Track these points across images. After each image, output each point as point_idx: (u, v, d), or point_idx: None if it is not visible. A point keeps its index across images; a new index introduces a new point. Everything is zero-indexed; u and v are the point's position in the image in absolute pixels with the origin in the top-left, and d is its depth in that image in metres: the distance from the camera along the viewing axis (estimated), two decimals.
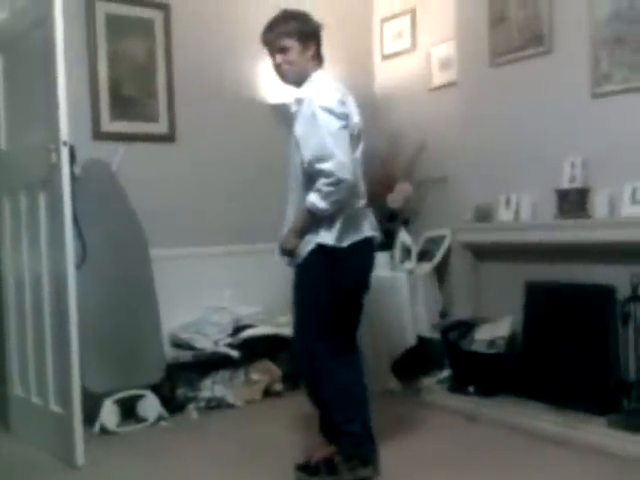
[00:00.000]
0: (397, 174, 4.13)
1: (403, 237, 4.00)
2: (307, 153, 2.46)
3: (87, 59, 3.65)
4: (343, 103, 2.52)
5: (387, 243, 3.93)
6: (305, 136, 2.48)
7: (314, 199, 2.44)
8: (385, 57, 4.61)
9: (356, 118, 2.59)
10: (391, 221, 4.07)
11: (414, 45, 4.38)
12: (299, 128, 2.52)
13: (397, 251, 3.99)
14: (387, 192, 4.04)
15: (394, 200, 4.04)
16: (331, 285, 2.51)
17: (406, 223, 4.10)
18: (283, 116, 2.73)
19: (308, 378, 2.66)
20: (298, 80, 2.61)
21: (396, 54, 4.52)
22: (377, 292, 3.56)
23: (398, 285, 3.76)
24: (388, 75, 4.59)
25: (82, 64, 3.62)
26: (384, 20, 4.60)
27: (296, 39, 2.55)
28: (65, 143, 2.86)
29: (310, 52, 2.59)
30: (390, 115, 4.44)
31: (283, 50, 2.56)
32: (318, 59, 2.64)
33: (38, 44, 2.97)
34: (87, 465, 2.81)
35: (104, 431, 3.24)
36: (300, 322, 2.63)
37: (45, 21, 2.88)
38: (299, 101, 2.58)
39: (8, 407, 3.36)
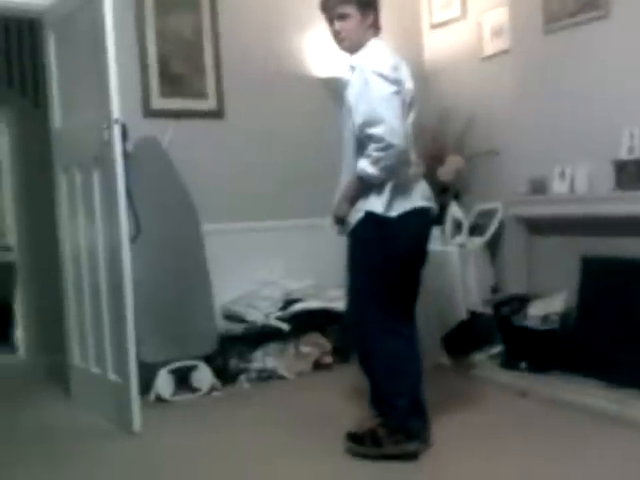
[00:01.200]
0: (448, 146, 4.05)
1: (454, 211, 3.94)
2: (358, 118, 2.44)
3: (136, 37, 3.70)
4: (396, 69, 2.49)
5: (438, 217, 3.88)
6: (357, 101, 2.47)
7: (364, 165, 2.43)
8: (434, 26, 4.50)
9: (409, 84, 2.56)
10: (442, 194, 4.00)
11: (464, 13, 4.25)
12: (352, 94, 2.51)
13: (448, 225, 3.93)
14: (438, 165, 3.97)
15: (445, 173, 3.98)
16: (382, 254, 2.49)
17: (457, 197, 4.04)
18: (333, 89, 2.70)
19: (359, 348, 2.66)
20: (355, 48, 2.58)
21: (445, 23, 4.40)
22: (428, 266, 3.54)
23: (449, 259, 3.72)
24: (437, 45, 4.48)
25: (131, 42, 3.66)
26: None
27: (356, 7, 2.54)
28: (117, 121, 2.92)
29: (369, 20, 2.57)
30: (440, 86, 4.35)
31: (342, 17, 2.54)
32: (375, 28, 2.61)
33: (88, 23, 3.03)
34: (143, 432, 2.92)
35: (159, 400, 3.35)
36: (352, 291, 2.62)
37: (95, 0, 2.93)
38: (352, 68, 2.57)
39: (69, 375, 3.50)
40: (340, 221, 2.57)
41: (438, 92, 4.32)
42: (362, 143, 2.46)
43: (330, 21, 2.60)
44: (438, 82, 4.37)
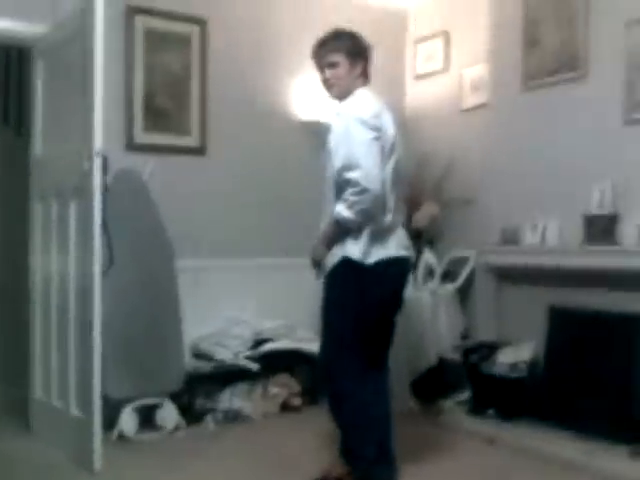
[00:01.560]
0: (424, 194, 4.12)
1: (427, 257, 3.99)
2: (337, 162, 2.50)
3: (124, 71, 3.74)
4: (377, 116, 2.55)
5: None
6: (337, 146, 2.52)
7: (340, 208, 2.47)
8: (417, 77, 4.63)
9: (391, 130, 2.60)
10: (416, 240, 4.05)
11: (447, 66, 4.39)
12: (332, 138, 2.57)
13: (421, 271, 3.97)
14: (413, 211, 4.04)
15: (420, 219, 4.04)
16: (357, 300, 2.50)
17: (431, 243, 4.09)
18: (315, 132, 2.77)
19: (330, 392, 2.65)
20: (343, 95, 2.64)
21: (428, 75, 4.54)
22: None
23: (421, 305, 3.75)
24: (419, 95, 4.60)
25: (119, 75, 3.70)
26: (417, 41, 4.63)
27: (345, 56, 2.62)
28: (98, 153, 2.93)
29: (358, 69, 2.66)
30: (420, 135, 4.44)
31: (332, 65, 2.63)
32: (364, 77, 2.70)
33: (78, 54, 3.06)
34: (104, 470, 2.85)
35: (122, 437, 3.28)
36: (325, 335, 2.62)
37: (85, 32, 2.97)
38: (338, 114, 2.63)
39: (30, 409, 3.42)
40: (317, 264, 2.59)
41: (418, 140, 4.39)
42: (341, 187, 2.49)
43: (320, 69, 2.69)
44: (418, 130, 4.46)
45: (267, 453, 3.11)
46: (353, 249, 2.49)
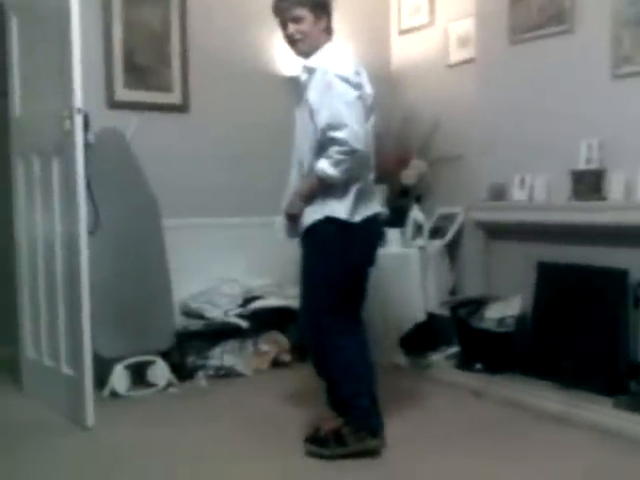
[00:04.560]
0: (412, 151, 4.10)
1: (415, 214, 3.98)
2: (322, 121, 2.44)
3: (102, 26, 3.64)
4: (358, 73, 2.52)
5: (399, 219, 3.93)
6: (320, 104, 2.46)
7: (324, 165, 2.43)
8: (402, 32, 4.56)
9: (369, 89, 2.58)
10: (404, 197, 4.06)
11: (432, 20, 4.32)
12: (314, 96, 2.50)
13: (409, 228, 3.97)
14: (401, 169, 4.03)
15: (408, 177, 4.03)
16: (341, 259, 2.51)
17: (419, 200, 4.08)
18: (293, 87, 2.72)
19: (314, 351, 2.66)
20: (310, 51, 2.58)
21: (413, 29, 4.46)
22: (388, 268, 3.61)
23: (409, 261, 3.76)
24: (405, 51, 4.53)
25: (97, 31, 3.61)
26: None
27: (309, 9, 2.54)
28: (79, 110, 2.87)
29: (322, 23, 2.58)
30: (406, 91, 4.41)
31: (296, 20, 2.55)
32: (328, 32, 2.62)
33: (53, 9, 2.96)
34: (97, 427, 2.86)
35: (114, 395, 3.29)
36: (307, 295, 2.62)
37: None
38: (310, 70, 2.56)
39: (21, 368, 3.41)
40: (292, 218, 2.57)
41: (404, 96, 4.37)
42: (323, 145, 2.45)
43: (283, 24, 2.60)
44: (404, 87, 4.42)
45: (258, 409, 3.14)
46: (338, 208, 2.48)
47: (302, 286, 2.64)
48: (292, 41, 2.59)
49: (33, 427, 2.94)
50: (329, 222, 2.49)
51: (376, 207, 2.63)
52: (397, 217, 3.90)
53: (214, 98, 3.96)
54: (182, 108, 3.89)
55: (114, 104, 3.67)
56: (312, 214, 2.51)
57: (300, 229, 2.56)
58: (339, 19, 2.71)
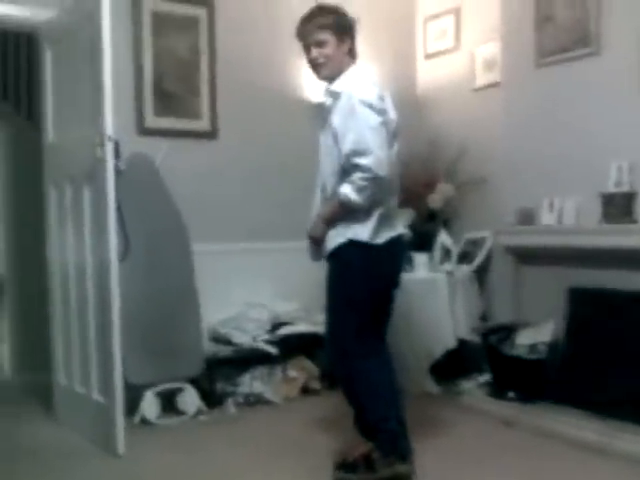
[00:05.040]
0: (438, 174, 4.10)
1: (443, 238, 3.96)
2: (345, 147, 2.44)
3: (132, 55, 3.70)
4: (382, 99, 2.51)
5: (427, 244, 3.91)
6: (344, 130, 2.45)
7: (347, 190, 2.43)
8: (428, 56, 4.58)
9: (393, 114, 2.58)
10: (431, 222, 4.04)
11: (458, 44, 4.34)
12: (337, 121, 2.49)
13: (437, 252, 3.95)
14: (428, 192, 4.02)
15: (434, 200, 4.02)
16: (364, 281, 2.50)
17: (446, 224, 4.07)
18: (318, 112, 2.72)
19: (341, 374, 2.64)
20: (333, 75, 2.57)
21: (439, 53, 4.48)
22: (416, 293, 3.59)
23: (437, 286, 3.73)
24: (431, 74, 4.55)
25: (127, 60, 3.67)
26: (428, 19, 4.57)
27: (332, 33, 2.54)
28: (110, 138, 2.90)
29: (345, 47, 2.57)
30: (432, 114, 4.41)
31: (319, 44, 2.54)
32: (352, 55, 2.62)
33: (85, 40, 3.03)
34: (127, 454, 2.86)
35: (144, 422, 3.28)
36: (332, 319, 2.60)
37: (93, 17, 2.93)
38: (334, 94, 2.55)
39: (54, 395, 3.42)
40: (315, 241, 2.57)
41: (430, 120, 4.38)
42: (346, 170, 2.45)
43: (307, 49, 2.60)
44: (430, 110, 4.43)
45: (288, 436, 3.11)
46: (361, 231, 2.48)
47: (327, 310, 2.62)
48: (315, 65, 2.59)
49: (64, 453, 2.94)
50: (352, 245, 2.49)
51: (399, 229, 2.63)
52: (424, 241, 3.89)
53: (242, 124, 3.99)
54: (210, 134, 3.93)
55: (144, 131, 3.72)
56: (336, 238, 2.51)
57: (324, 253, 2.56)
58: (365, 43, 2.72)
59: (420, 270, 3.84)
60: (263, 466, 2.77)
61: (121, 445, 2.87)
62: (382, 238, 2.51)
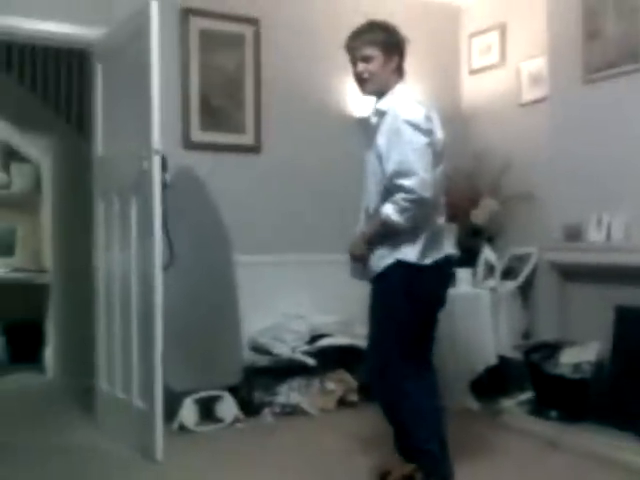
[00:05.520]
0: (482, 190, 4.05)
1: (487, 254, 3.91)
2: (389, 167, 2.42)
3: (180, 71, 3.81)
4: (428, 119, 2.47)
5: (470, 259, 3.87)
6: (388, 150, 2.43)
7: (390, 211, 2.40)
8: (473, 72, 4.56)
9: (440, 134, 2.54)
10: (475, 237, 3.99)
11: (503, 60, 4.30)
12: (383, 141, 2.47)
13: (480, 268, 3.90)
14: (472, 208, 3.98)
15: (478, 216, 3.97)
16: (411, 302, 2.46)
17: (490, 240, 4.02)
18: (363, 129, 2.73)
19: (382, 396, 2.60)
20: (377, 91, 2.56)
21: (484, 69, 4.46)
22: (459, 308, 3.54)
23: (480, 302, 3.68)
24: (476, 90, 4.53)
25: (175, 76, 3.77)
26: (472, 35, 4.55)
27: (380, 49, 2.52)
28: (157, 151, 3.00)
29: (393, 64, 2.55)
30: (477, 130, 4.38)
31: (366, 59, 2.53)
32: (399, 73, 2.59)
33: (135, 56, 3.14)
34: (165, 460, 2.90)
35: (183, 429, 3.33)
36: (376, 339, 2.56)
37: (142, 34, 3.04)
38: (381, 113, 2.54)
39: (95, 399, 3.51)
40: (356, 259, 2.55)
41: (475, 135, 4.35)
42: (390, 190, 2.42)
43: (353, 62, 2.58)
44: (475, 126, 4.40)
45: (324, 449, 3.10)
46: (409, 252, 2.44)
47: (371, 330, 2.59)
48: (360, 80, 2.59)
49: (103, 458, 3.01)
50: (400, 266, 2.45)
51: (448, 249, 2.58)
52: (468, 257, 3.83)
53: (285, 139, 4.05)
54: (255, 149, 4.00)
55: (190, 145, 3.81)
56: (383, 259, 2.48)
57: (370, 273, 2.53)
58: (409, 58, 2.71)
59: (463, 286, 3.79)
60: (297, 477, 2.77)
61: (159, 451, 2.92)
62: (430, 258, 2.47)
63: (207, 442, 3.21)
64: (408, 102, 2.50)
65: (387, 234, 2.46)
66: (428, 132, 2.44)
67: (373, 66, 2.54)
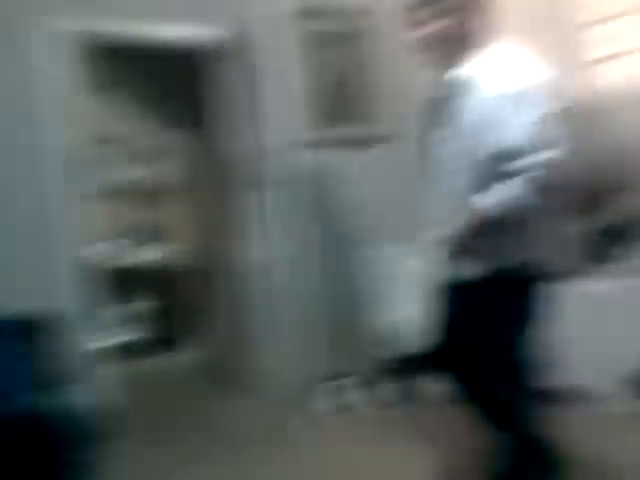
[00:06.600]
0: (618, 184, 3.91)
1: (622, 251, 3.77)
2: (489, 149, 1.94)
3: (300, 70, 3.87)
4: (540, 87, 1.99)
5: (604, 256, 3.74)
6: (483, 128, 1.95)
7: (495, 200, 1.94)
8: (598, 60, 4.38)
9: (554, 103, 2.01)
10: (608, 236, 3.86)
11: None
12: (478, 112, 1.98)
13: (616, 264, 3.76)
14: (607, 204, 3.85)
15: (615, 212, 3.84)
16: (525, 317, 2.05)
17: (627, 236, 3.87)
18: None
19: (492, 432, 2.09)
20: (453, 57, 2.08)
21: (614, 56, 4.27)
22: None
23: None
24: (605, 79, 4.35)
25: (295, 75, 3.84)
26: (601, 21, 4.36)
27: (452, 7, 2.06)
28: (281, 149, 3.30)
29: (472, 23, 2.08)
30: (612, 120, 4.21)
31: (436, 16, 2.06)
32: (483, 31, 2.10)
33: (252, 55, 3.44)
34: (299, 445, 3.05)
35: (317, 415, 3.44)
36: (485, 364, 2.04)
37: (260, 36, 3.38)
38: (467, 83, 2.03)
39: (252, 379, 3.73)
40: (461, 251, 2.01)
41: (610, 126, 4.18)
42: (490, 176, 1.94)
43: (419, 23, 2.10)
44: (610, 115, 4.23)
45: (459, 441, 2.98)
46: (515, 255, 2.00)
47: (469, 353, 2.05)
48: (430, 44, 2.10)
49: (264, 436, 3.18)
50: (506, 271, 2.00)
51: (559, 251, 2.30)
52: (600, 254, 3.72)
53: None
54: (384, 139, 4.00)
55: (314, 142, 3.82)
56: (482, 263, 2.00)
57: (464, 275, 2.04)
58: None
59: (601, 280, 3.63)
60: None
61: (294, 436, 3.11)
62: (539, 262, 2.05)
63: (339, 429, 3.26)
64: (501, 68, 2.02)
65: (488, 230, 2.00)
66: (538, 104, 1.98)
67: (445, 26, 2.08)
